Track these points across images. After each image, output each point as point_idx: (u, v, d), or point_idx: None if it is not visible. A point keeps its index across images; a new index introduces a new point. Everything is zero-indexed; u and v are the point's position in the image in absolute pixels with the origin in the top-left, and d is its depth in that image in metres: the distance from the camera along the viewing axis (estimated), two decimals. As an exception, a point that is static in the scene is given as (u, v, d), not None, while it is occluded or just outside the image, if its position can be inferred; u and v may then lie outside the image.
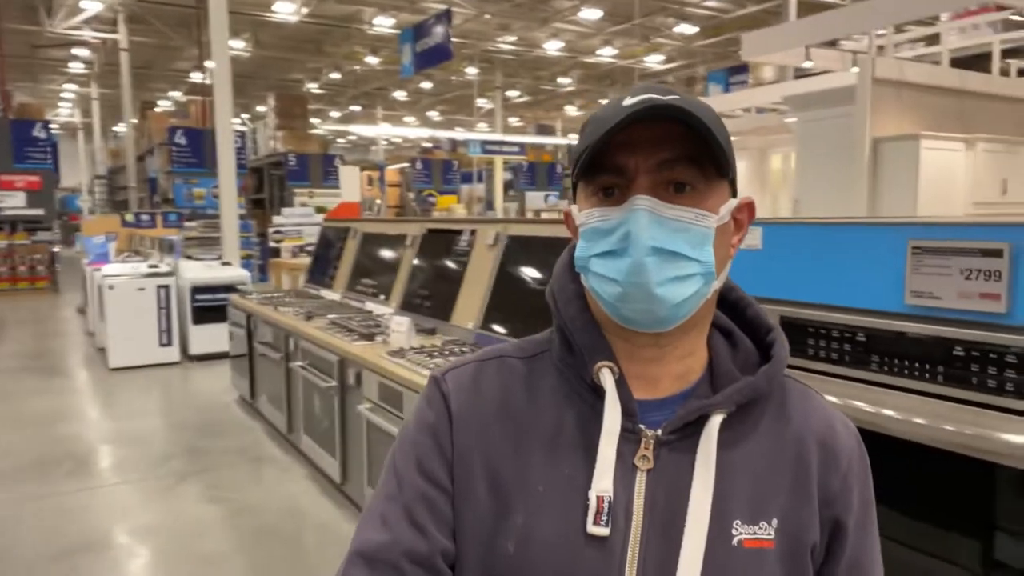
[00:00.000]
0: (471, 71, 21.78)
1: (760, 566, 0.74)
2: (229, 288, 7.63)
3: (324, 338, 4.17)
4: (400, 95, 26.65)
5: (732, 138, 0.78)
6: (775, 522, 0.75)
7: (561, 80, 24.23)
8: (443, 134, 26.75)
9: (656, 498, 0.75)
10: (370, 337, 3.99)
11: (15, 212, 13.63)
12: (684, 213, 0.74)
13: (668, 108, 0.71)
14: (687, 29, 17.95)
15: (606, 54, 20.63)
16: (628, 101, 0.74)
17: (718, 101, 10.93)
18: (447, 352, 3.52)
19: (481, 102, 25.63)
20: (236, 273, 8.29)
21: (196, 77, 17.98)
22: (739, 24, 15.99)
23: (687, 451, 0.76)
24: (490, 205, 19.92)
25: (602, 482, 0.74)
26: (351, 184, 8.91)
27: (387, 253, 5.12)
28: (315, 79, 24.06)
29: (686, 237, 0.73)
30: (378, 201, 16.85)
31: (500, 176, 20.93)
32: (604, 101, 0.89)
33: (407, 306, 4.52)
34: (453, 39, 13.89)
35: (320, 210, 11.05)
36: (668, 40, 19.10)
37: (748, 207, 0.81)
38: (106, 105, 24.31)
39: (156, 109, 19.08)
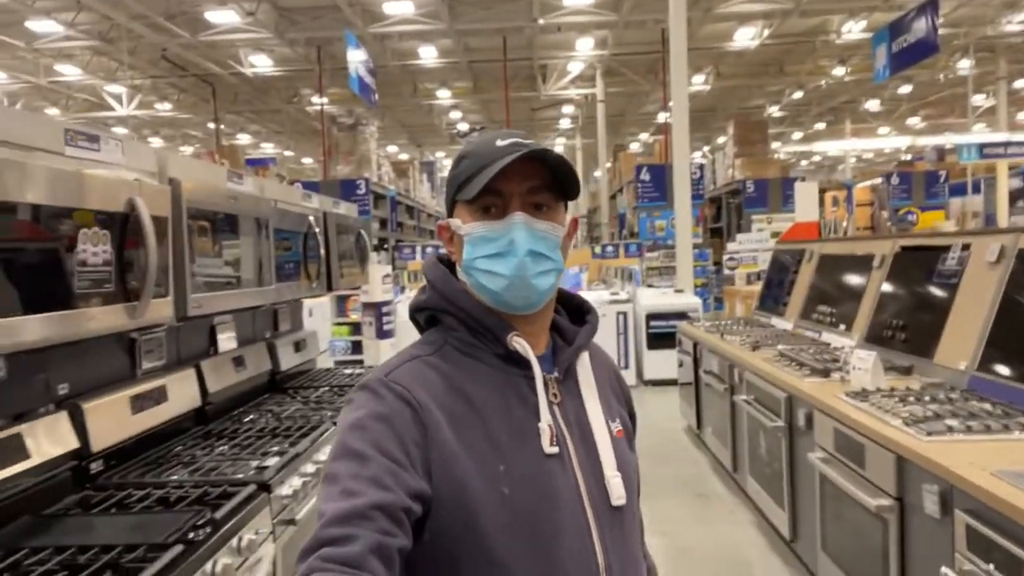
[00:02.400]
0: (963, 64, 18.50)
1: (626, 447, 1.11)
2: (681, 315, 7.64)
3: (771, 371, 3.73)
4: (872, 105, 24.09)
5: None
6: (618, 418, 1.12)
7: (1097, 58, 18.96)
8: (927, 141, 23.30)
9: (570, 419, 1.06)
10: (825, 373, 3.42)
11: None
12: (547, 226, 1.04)
13: (536, 151, 1.02)
14: None
15: None
16: (501, 142, 1.04)
17: None
18: (927, 398, 2.76)
19: (978, 99, 21.59)
20: (688, 301, 8.28)
21: (661, 117, 19.03)
22: None
23: (571, 383, 1.09)
24: (989, 220, 16.49)
25: (545, 416, 1.02)
26: (807, 203, 8.18)
27: (849, 276, 4.42)
28: (776, 101, 23.32)
29: (547, 243, 1.04)
30: (844, 224, 15.35)
31: (1004, 183, 17.17)
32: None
33: (874, 338, 3.79)
34: (940, 30, 11.95)
35: (776, 236, 10.46)
36: None
37: (574, 222, 1.13)
38: (587, 153, 27.44)
39: (627, 151, 20.74)
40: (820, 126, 26.74)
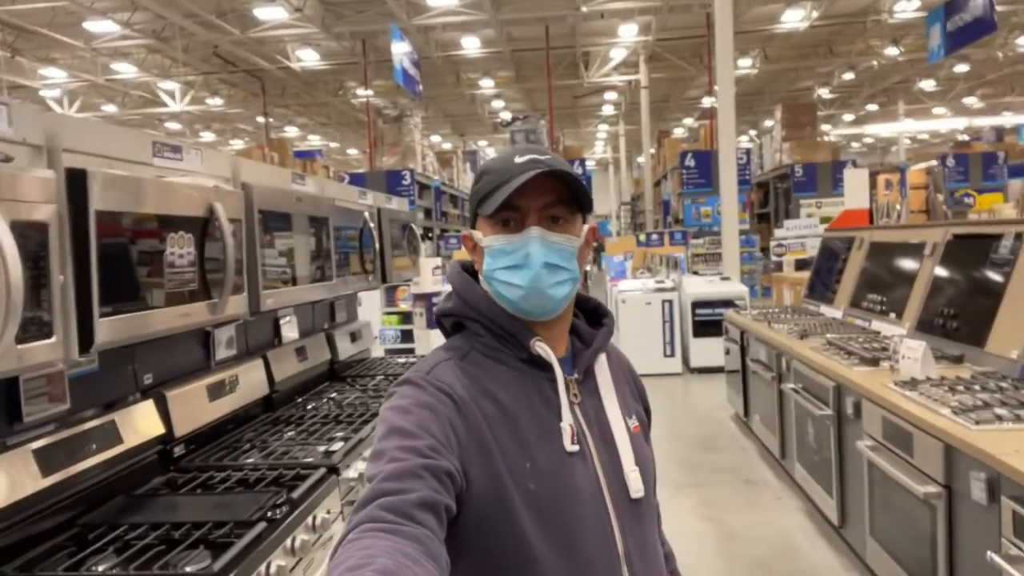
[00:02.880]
0: (1022, 41, 17.82)
1: (643, 442, 1.18)
2: (727, 303, 7.63)
3: (819, 360, 3.75)
4: (927, 85, 23.35)
5: None
6: (634, 415, 1.20)
7: None
8: (985, 121, 22.52)
9: (590, 417, 1.12)
10: (874, 362, 3.43)
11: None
12: (562, 238, 1.10)
13: (552, 169, 1.07)
14: None
15: None
16: (519, 159, 1.10)
17: None
18: (976, 387, 2.78)
19: (1040, 77, 20.79)
20: (734, 288, 8.25)
21: (706, 102, 18.79)
22: None
23: (590, 383, 1.16)
24: (1053, 203, 15.88)
25: (567, 417, 1.08)
26: (857, 189, 8.04)
27: (900, 264, 4.39)
28: (826, 83, 22.78)
29: (563, 254, 1.10)
30: (898, 207, 14.98)
31: (1069, 165, 16.59)
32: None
33: (925, 327, 3.77)
34: (998, 7, 11.55)
35: (825, 221, 10.31)
36: None
37: (592, 230, 1.17)
38: (630, 139, 27.25)
39: (671, 137, 20.55)
40: (872, 107, 26.03)
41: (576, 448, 1.07)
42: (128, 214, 1.64)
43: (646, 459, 1.15)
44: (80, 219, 1.50)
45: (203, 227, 1.95)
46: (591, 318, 1.24)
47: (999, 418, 2.37)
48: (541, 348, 1.10)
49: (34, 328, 1.37)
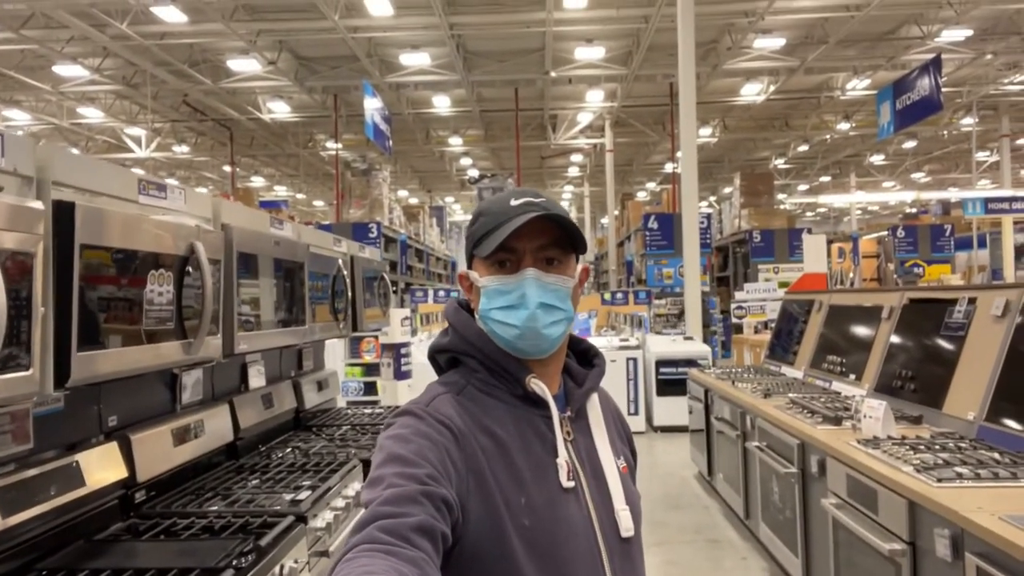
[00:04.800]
0: (967, 122, 18.86)
1: (631, 482, 1.20)
2: (690, 362, 7.72)
3: (783, 418, 3.81)
4: (877, 159, 24.49)
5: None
6: (622, 456, 1.21)
7: (1098, 116, 19.30)
8: (933, 195, 23.56)
9: (582, 455, 1.13)
10: (836, 421, 3.50)
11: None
12: (556, 279, 1.12)
13: (547, 212, 1.09)
14: None
15: None
16: (515, 202, 1.12)
17: None
18: (937, 447, 2.85)
19: (982, 155, 21.92)
20: (697, 348, 8.36)
21: (668, 167, 19.36)
22: None
23: (582, 422, 1.18)
24: (996, 275, 16.61)
25: (562, 453, 1.10)
26: (815, 254, 8.30)
27: (858, 327, 4.52)
28: (782, 154, 23.72)
29: (557, 295, 1.12)
30: (851, 275, 15.47)
31: (1010, 239, 17.38)
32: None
33: (884, 388, 3.87)
34: (944, 88, 12.26)
35: (783, 285, 10.59)
36: None
37: (585, 271, 1.20)
38: (595, 201, 27.80)
39: (634, 200, 21.04)
40: (825, 179, 27.13)
41: (571, 484, 1.08)
42: (112, 249, 1.63)
43: (635, 499, 1.17)
44: (65, 252, 1.49)
45: (182, 266, 1.94)
46: (582, 359, 1.26)
47: (960, 476, 2.43)
48: (536, 385, 1.12)
49: (12, 360, 1.34)
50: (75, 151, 20.08)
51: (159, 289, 1.82)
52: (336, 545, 2.41)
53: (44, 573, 1.72)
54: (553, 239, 1.12)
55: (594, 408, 1.20)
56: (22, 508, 1.71)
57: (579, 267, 1.18)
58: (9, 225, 1.33)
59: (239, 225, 2.34)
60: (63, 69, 14.02)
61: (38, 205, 1.41)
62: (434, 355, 1.21)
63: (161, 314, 1.83)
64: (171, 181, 2.03)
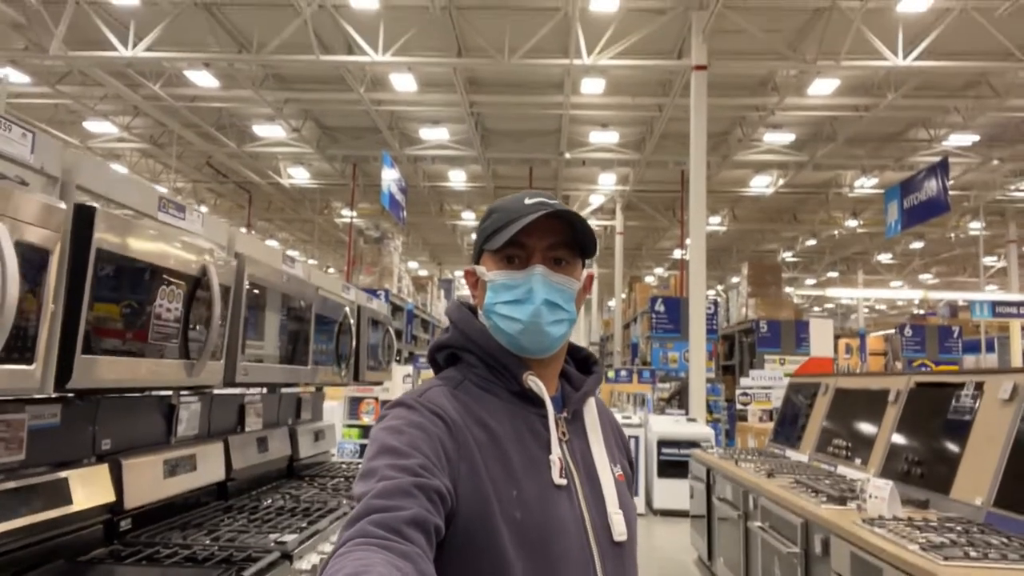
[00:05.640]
0: (974, 226, 19.11)
1: (626, 491, 1.18)
2: (693, 444, 7.59)
3: (787, 497, 3.72)
4: (884, 258, 24.70)
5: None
6: (618, 464, 1.20)
7: (1104, 227, 19.51)
8: (939, 295, 23.60)
9: (576, 457, 1.13)
10: (841, 501, 3.42)
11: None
12: (564, 279, 1.14)
13: (560, 211, 1.10)
14: None
15: None
16: (529, 200, 1.14)
17: None
18: (944, 529, 2.77)
19: (989, 260, 22.09)
20: (701, 430, 8.24)
21: (677, 253, 19.56)
22: None
23: (577, 424, 1.17)
24: (1006, 378, 16.39)
25: (556, 451, 1.09)
26: (821, 340, 8.30)
27: (865, 411, 4.46)
28: (790, 247, 23.96)
29: (563, 295, 1.13)
30: (857, 371, 15.37)
31: (1018, 343, 17.32)
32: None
33: (890, 472, 3.79)
34: (951, 191, 12.49)
35: (789, 375, 10.49)
36: None
37: (590, 277, 1.21)
38: (603, 282, 27.97)
39: (642, 283, 21.18)
40: (833, 274, 27.28)
41: (564, 482, 1.07)
42: (127, 260, 1.66)
43: (629, 506, 1.16)
44: (81, 255, 1.51)
45: (193, 287, 1.96)
46: (581, 367, 1.26)
47: (967, 555, 2.36)
48: (533, 382, 1.12)
49: (16, 352, 1.34)
50: (96, 205, 20.51)
51: (168, 305, 1.84)
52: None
53: (20, 586, 1.67)
54: (563, 240, 1.14)
55: (591, 413, 1.20)
56: (5, 518, 1.68)
57: (585, 273, 1.20)
58: (32, 219, 1.36)
59: (252, 256, 2.37)
60: (93, 125, 14.51)
61: (61, 205, 1.44)
62: (434, 353, 1.21)
63: (167, 330, 1.84)
64: (191, 203, 2.08)
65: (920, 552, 2.44)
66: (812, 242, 22.51)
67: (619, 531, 1.10)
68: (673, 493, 7.77)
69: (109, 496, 2.09)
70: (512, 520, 1.01)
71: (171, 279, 1.84)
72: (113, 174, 1.69)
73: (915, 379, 4.04)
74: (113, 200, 1.68)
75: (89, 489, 2.01)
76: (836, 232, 20.95)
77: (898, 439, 3.88)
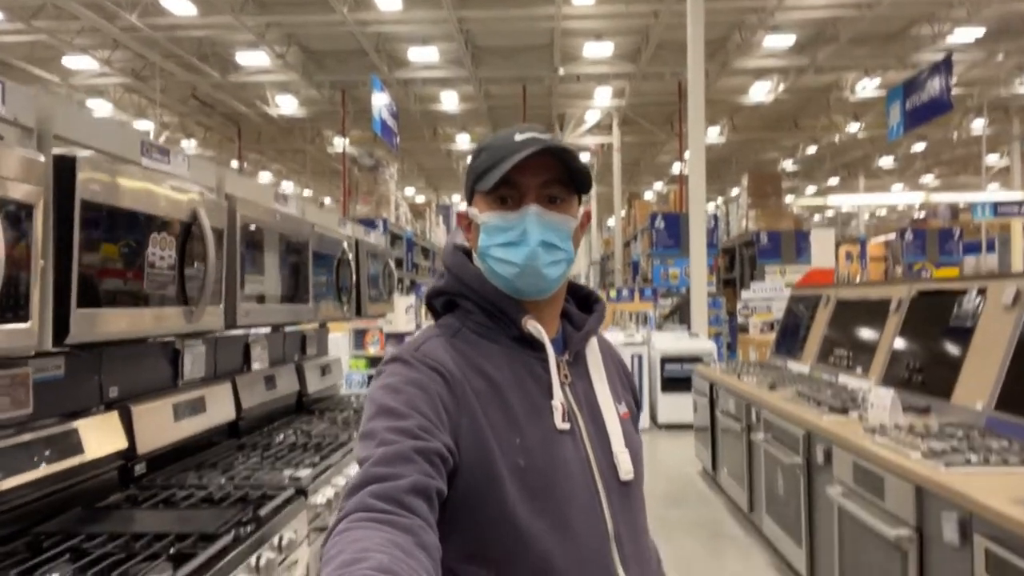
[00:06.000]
0: (977, 124, 18.77)
1: (632, 428, 1.17)
2: (695, 359, 7.68)
3: (789, 409, 3.78)
4: (886, 161, 24.39)
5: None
6: (623, 402, 1.18)
7: (1110, 121, 19.17)
8: (941, 198, 23.43)
9: (580, 398, 1.11)
10: (843, 411, 3.47)
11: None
12: (559, 217, 1.09)
13: (552, 147, 1.05)
14: None
15: None
16: (519, 137, 1.08)
17: None
18: (945, 434, 2.81)
19: (991, 159, 21.80)
20: (702, 345, 8.33)
21: (676, 168, 19.32)
22: None
23: (580, 366, 1.15)
24: (1006, 278, 16.46)
25: (558, 395, 1.07)
26: (823, 250, 8.27)
27: (866, 321, 4.48)
28: (790, 155, 23.64)
29: (559, 234, 1.09)
30: (858, 278, 15.42)
31: (1019, 241, 17.31)
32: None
33: (891, 380, 3.83)
34: (954, 90, 12.19)
35: (790, 287, 10.52)
36: None
37: (587, 214, 1.16)
38: (602, 201, 27.74)
39: (641, 200, 20.98)
40: (834, 181, 27.01)
41: (567, 426, 1.06)
42: (113, 208, 1.62)
43: (635, 444, 1.15)
44: (65, 207, 1.47)
45: (185, 232, 1.92)
46: (582, 305, 1.23)
47: (968, 461, 2.40)
48: (532, 326, 1.09)
49: (10, 311, 1.32)
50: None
51: (160, 253, 1.80)
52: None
53: (41, 536, 1.70)
54: (557, 176, 1.09)
55: (593, 352, 1.18)
56: (19, 472, 1.70)
57: (582, 209, 1.15)
58: (10, 174, 1.32)
59: (243, 196, 2.32)
60: (73, 61, 14.08)
61: (39, 157, 1.39)
62: (431, 299, 1.18)
63: (162, 278, 1.82)
64: (176, 147, 2.02)
65: (922, 459, 2.49)
66: (813, 149, 22.19)
67: (625, 470, 1.09)
68: (677, 407, 7.92)
69: (121, 443, 2.12)
70: (515, 467, 1.00)
71: (161, 225, 1.80)
72: (92, 120, 1.63)
73: (917, 287, 4.04)
74: (93, 147, 1.62)
75: (100, 437, 2.03)
76: (837, 138, 20.59)
77: (899, 347, 3.91)
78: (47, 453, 1.81)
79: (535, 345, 1.10)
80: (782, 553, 4.10)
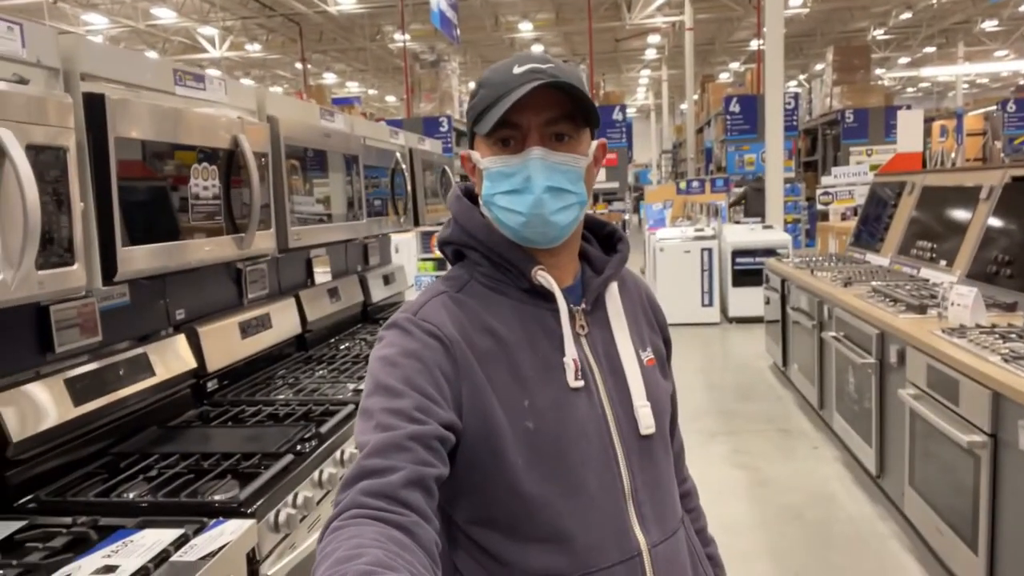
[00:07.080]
0: (1101, -24, 16.69)
1: (657, 375, 1.11)
2: (769, 252, 7.44)
3: (862, 307, 3.63)
4: (989, 25, 22.13)
5: None
6: (650, 347, 1.12)
7: None
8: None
9: (598, 351, 1.05)
10: (921, 309, 3.30)
11: (597, 187, 15.94)
12: (566, 158, 1.00)
13: (554, 80, 0.96)
14: None
15: None
16: (518, 69, 0.99)
17: None
18: (1031, 335, 2.65)
19: (1115, 15, 19.50)
20: (777, 237, 8.05)
21: (754, 45, 18.10)
22: None
23: (599, 313, 1.08)
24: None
25: (571, 351, 1.02)
26: (910, 133, 7.68)
27: (953, 209, 4.19)
28: (881, 24, 21.74)
29: (568, 176, 1.00)
30: (953, 155, 14.37)
31: None
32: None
33: (977, 274, 3.61)
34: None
35: (875, 168, 9.92)
36: None
37: (602, 146, 1.07)
38: (673, 85, 26.49)
39: (715, 82, 19.90)
40: (930, 50, 24.78)
41: (580, 384, 1.00)
42: (150, 143, 1.62)
43: (660, 394, 1.08)
44: (100, 146, 1.48)
45: (228, 160, 1.92)
46: (605, 244, 1.14)
47: (1054, 366, 2.26)
48: (543, 277, 1.02)
49: (55, 255, 1.36)
50: (153, 54, 20.44)
51: (204, 184, 1.81)
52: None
53: (116, 456, 1.83)
54: (563, 112, 0.99)
55: (613, 298, 1.09)
56: (94, 396, 1.80)
57: (594, 144, 1.05)
58: (39, 119, 1.32)
59: (286, 117, 2.29)
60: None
61: (66, 98, 1.38)
62: (442, 248, 1.12)
63: (208, 209, 1.83)
64: (212, 71, 1.99)
65: (1002, 364, 2.36)
66: (907, 15, 20.29)
67: (646, 424, 1.03)
68: (748, 301, 7.76)
69: (191, 363, 2.22)
70: (524, 431, 0.96)
71: (202, 155, 1.80)
72: (118, 54, 1.61)
73: (1011, 173, 3.73)
74: (123, 82, 1.61)
75: (170, 359, 2.13)
76: (935, 1, 18.75)
77: (988, 239, 3.66)
78: (121, 378, 1.91)
79: (548, 296, 1.03)
80: (852, 451, 4.06)
